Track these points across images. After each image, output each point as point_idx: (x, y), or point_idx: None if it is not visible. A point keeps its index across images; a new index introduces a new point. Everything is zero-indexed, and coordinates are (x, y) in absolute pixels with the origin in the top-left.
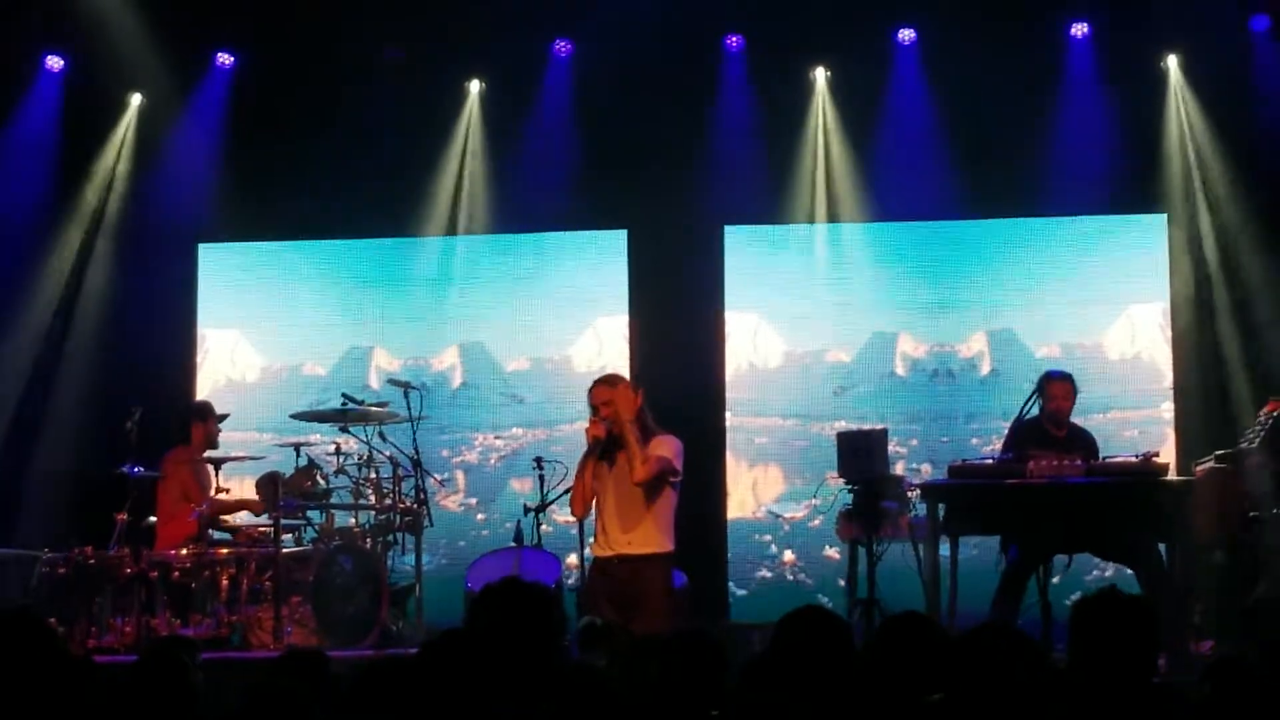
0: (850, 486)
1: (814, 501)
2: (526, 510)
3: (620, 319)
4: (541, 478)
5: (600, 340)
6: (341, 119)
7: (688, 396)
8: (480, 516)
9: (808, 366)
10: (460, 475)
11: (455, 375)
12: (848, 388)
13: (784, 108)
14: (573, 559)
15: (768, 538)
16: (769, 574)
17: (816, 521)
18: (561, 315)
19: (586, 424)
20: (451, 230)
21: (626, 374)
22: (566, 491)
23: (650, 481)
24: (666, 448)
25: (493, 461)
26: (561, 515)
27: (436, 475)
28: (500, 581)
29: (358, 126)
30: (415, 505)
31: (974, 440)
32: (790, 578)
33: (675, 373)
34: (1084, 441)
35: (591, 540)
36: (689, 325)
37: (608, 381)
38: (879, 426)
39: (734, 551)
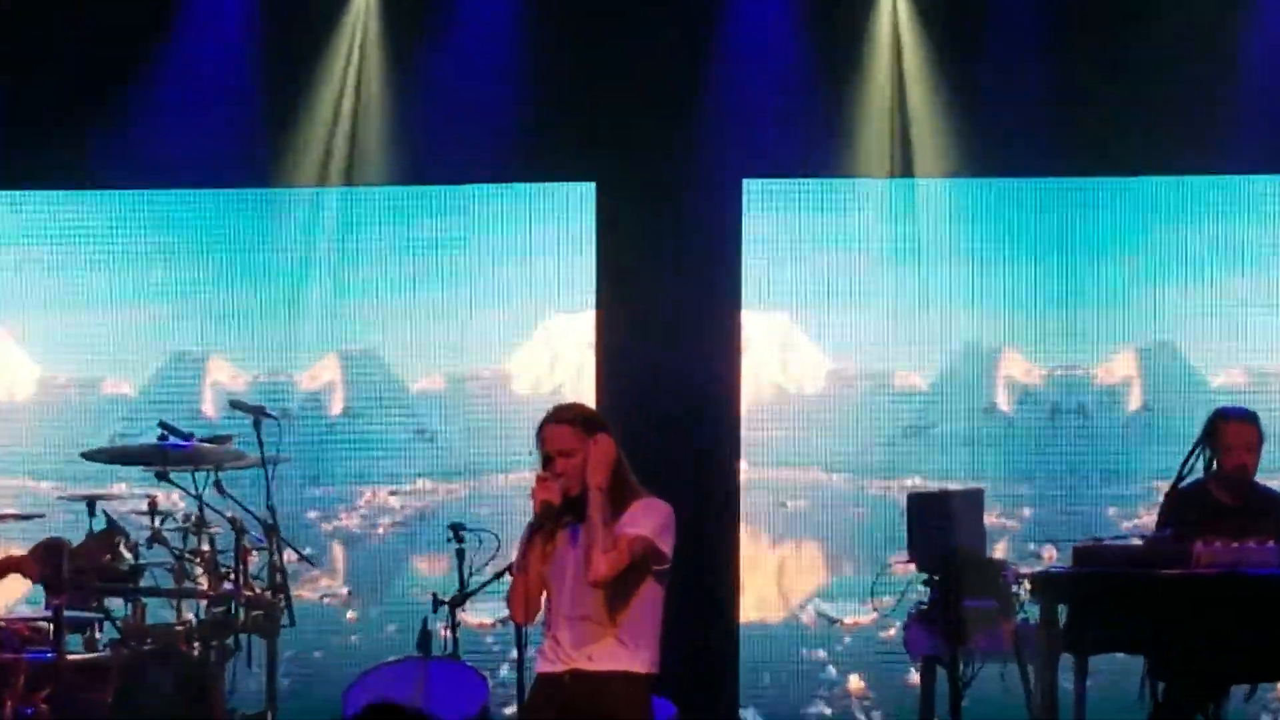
0: (926, 577)
1: (881, 603)
2: (437, 604)
3: (583, 318)
4: (461, 554)
5: (553, 350)
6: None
7: (683, 437)
8: (360, 613)
9: (864, 395)
10: (338, 550)
11: (333, 398)
12: (924, 427)
13: (836, 9)
14: (508, 675)
15: (820, 654)
16: (827, 709)
17: (893, 631)
18: (496, 311)
19: (533, 478)
20: (329, 180)
21: (591, 400)
22: (499, 577)
23: (618, 578)
24: (648, 519)
25: (384, 529)
26: (488, 614)
27: (301, 549)
28: (393, 710)
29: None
30: (269, 593)
31: (1112, 510)
32: (862, 718)
33: (664, 401)
34: (1275, 513)
35: (536, 649)
36: (687, 329)
37: (574, 420)
38: (972, 487)
39: (756, 668)
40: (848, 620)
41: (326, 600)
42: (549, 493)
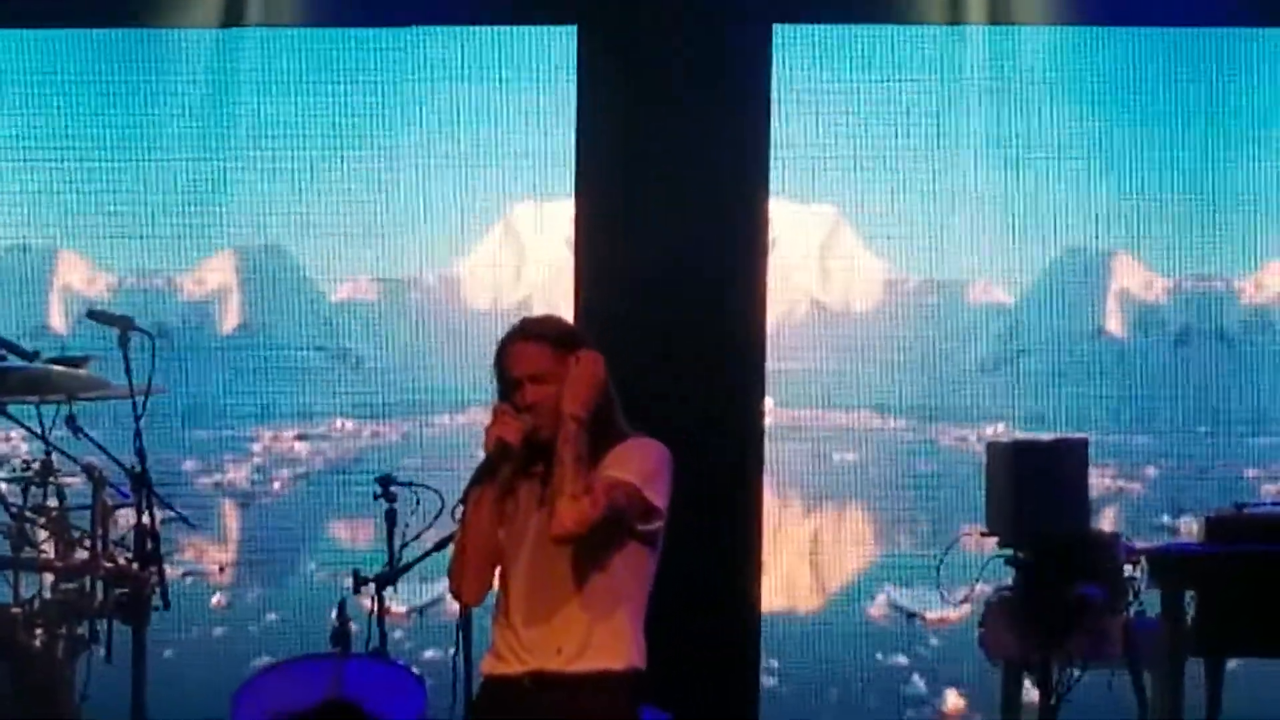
0: (1010, 555)
1: (971, 588)
2: (360, 583)
3: (559, 207)
4: (392, 517)
5: (520, 249)
6: None
7: (689, 367)
8: (260, 593)
9: (931, 313)
10: (229, 509)
11: (225, 309)
12: (1010, 357)
13: None
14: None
15: (900, 660)
16: None
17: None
18: (445, 196)
19: (488, 415)
20: (228, 19)
21: (569, 314)
22: (441, 548)
23: (590, 533)
24: (634, 461)
25: (285, 483)
26: (402, 600)
27: (179, 508)
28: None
29: None
30: (136, 566)
31: (1254, 471)
32: None
33: (665, 319)
34: None
35: (487, 649)
36: (695, 224)
37: (549, 336)
38: (1073, 437)
39: (796, 673)
40: (931, 615)
41: (190, 578)
42: (507, 430)
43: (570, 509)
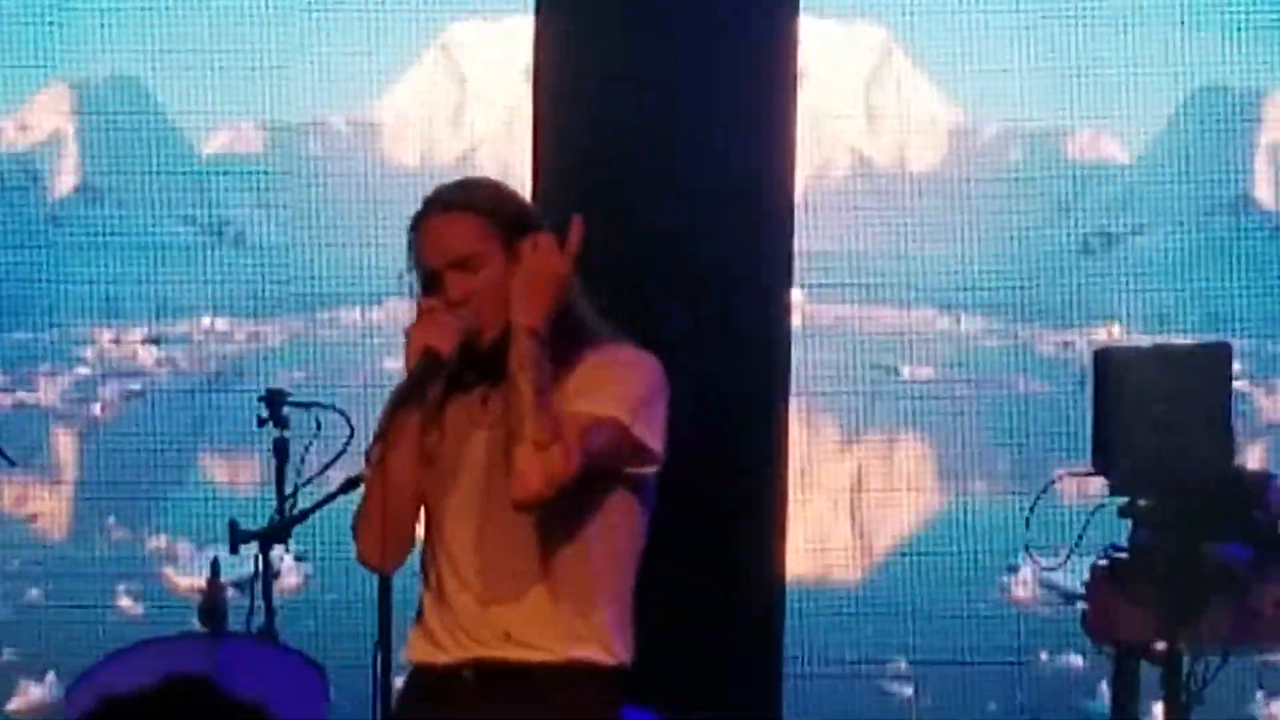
0: (1125, 503)
1: (1070, 549)
2: (238, 539)
3: (515, 24)
4: (282, 449)
5: (462, 79)
6: None
7: (684, 244)
8: (103, 554)
9: (1017, 173)
10: (62, 439)
11: (59, 165)
12: (1124, 234)
13: None
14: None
15: (1074, 659)
16: None
17: None
18: (359, 11)
19: (409, 314)
20: None
21: (526, 184)
22: (349, 489)
23: (559, 490)
24: (617, 382)
25: (121, 402)
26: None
27: None
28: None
29: None
30: None
31: None
32: None
33: (653, 177)
34: None
35: (410, 620)
36: (695, 47)
37: (483, 208)
38: (1210, 341)
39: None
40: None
41: (55, 530)
42: (437, 333)
43: (534, 464)
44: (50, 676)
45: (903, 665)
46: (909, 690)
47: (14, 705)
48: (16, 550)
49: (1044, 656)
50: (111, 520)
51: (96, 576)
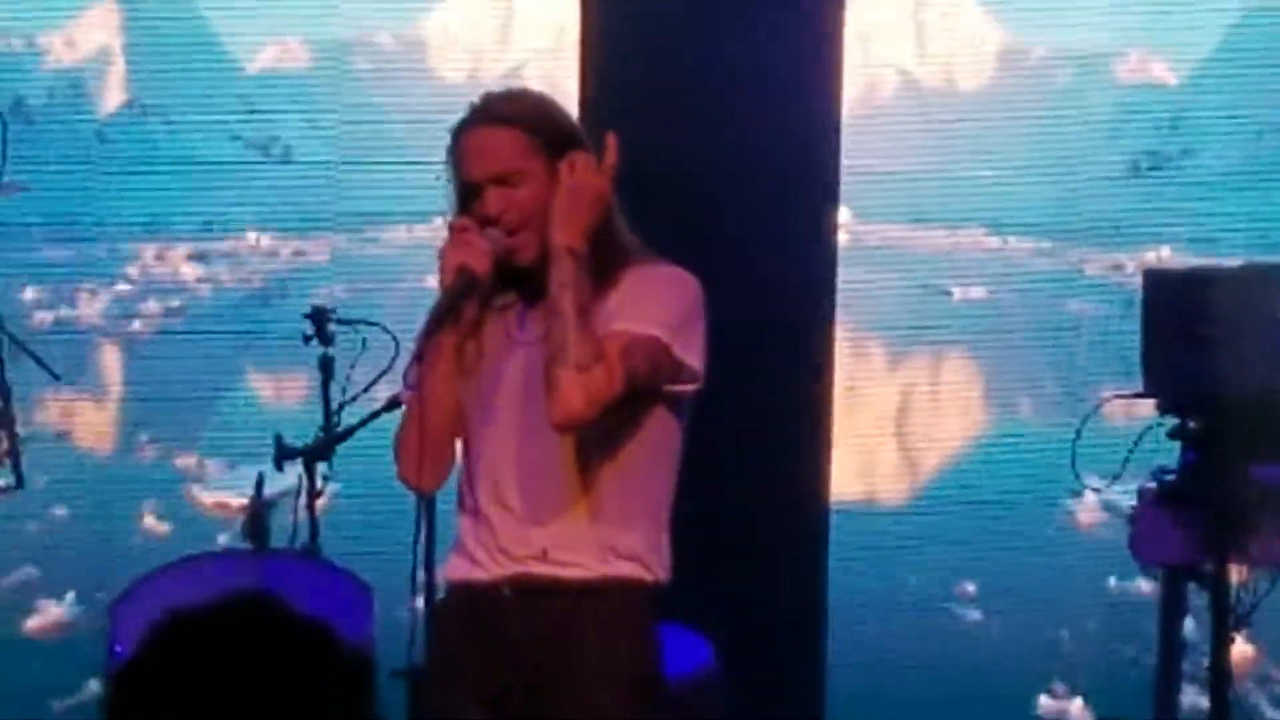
0: (1175, 425)
1: (1120, 471)
2: (284, 456)
3: None
4: (327, 366)
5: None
6: None
7: (728, 163)
8: (132, 469)
9: (1065, 95)
10: (108, 355)
11: (106, 82)
12: (1175, 155)
13: None
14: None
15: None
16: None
17: None
18: None
19: (444, 234)
20: None
21: (574, 101)
22: (393, 407)
23: (601, 411)
24: (657, 303)
25: (161, 319)
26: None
27: (37, 354)
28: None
29: None
30: None
31: None
32: None
33: (700, 98)
34: None
35: (452, 543)
36: None
37: (522, 121)
38: (1261, 262)
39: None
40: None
41: (98, 452)
42: (471, 253)
43: (576, 386)
44: (70, 595)
45: (971, 588)
46: (976, 615)
47: (33, 623)
48: (51, 470)
49: (1111, 582)
50: (144, 438)
51: (125, 495)
